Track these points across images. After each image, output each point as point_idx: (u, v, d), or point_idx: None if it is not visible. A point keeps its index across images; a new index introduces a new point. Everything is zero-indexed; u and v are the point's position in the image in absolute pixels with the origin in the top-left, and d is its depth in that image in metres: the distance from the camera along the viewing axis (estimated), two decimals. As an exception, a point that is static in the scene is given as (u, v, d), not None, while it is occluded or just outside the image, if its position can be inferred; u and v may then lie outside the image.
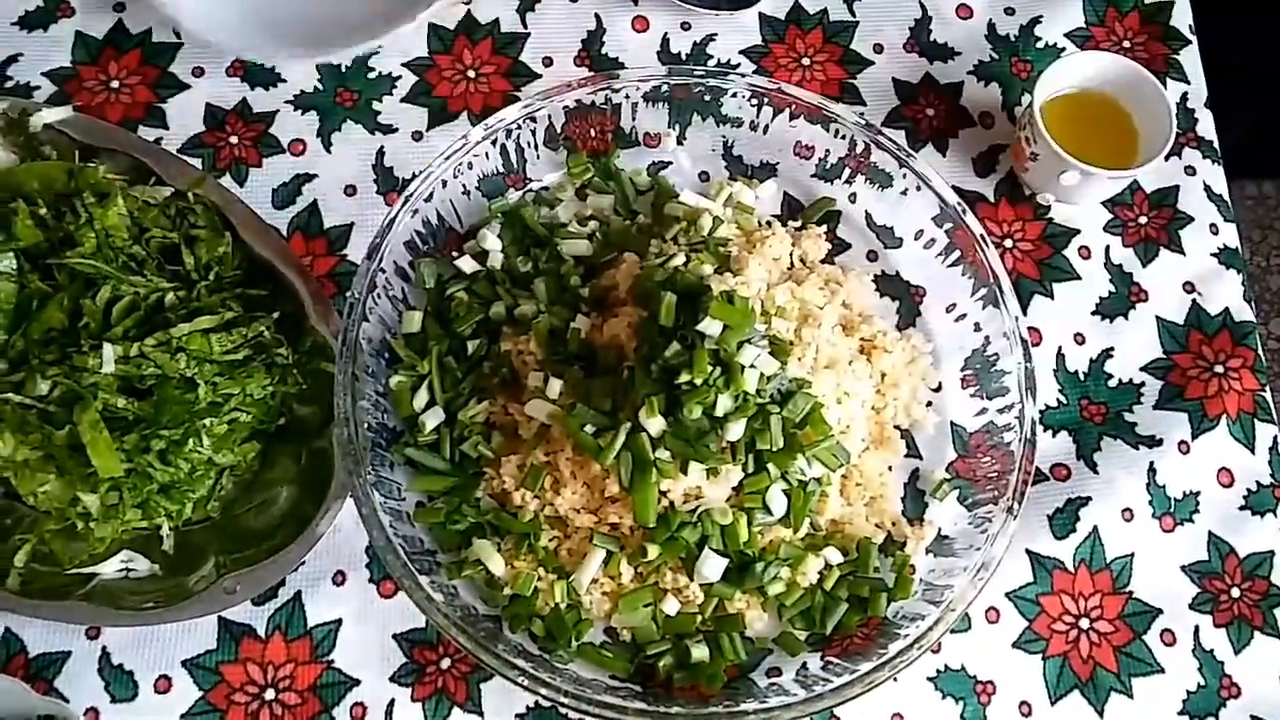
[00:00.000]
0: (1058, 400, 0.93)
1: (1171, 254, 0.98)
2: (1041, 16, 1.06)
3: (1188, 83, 1.05)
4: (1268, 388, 0.95)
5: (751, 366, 0.76)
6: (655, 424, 0.75)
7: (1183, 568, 0.89)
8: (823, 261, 0.92)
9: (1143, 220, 0.99)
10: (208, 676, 0.79)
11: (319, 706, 0.79)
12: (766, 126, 0.93)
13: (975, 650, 0.85)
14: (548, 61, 1.00)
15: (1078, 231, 0.98)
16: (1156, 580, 0.88)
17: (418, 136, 0.95)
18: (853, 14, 1.04)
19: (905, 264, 0.94)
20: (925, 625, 0.77)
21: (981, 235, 0.87)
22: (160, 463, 0.77)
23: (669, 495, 0.77)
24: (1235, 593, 0.89)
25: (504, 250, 0.90)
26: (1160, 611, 0.88)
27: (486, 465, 0.82)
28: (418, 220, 0.86)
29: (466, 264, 0.89)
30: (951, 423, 0.90)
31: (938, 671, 0.84)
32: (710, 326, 0.75)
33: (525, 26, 1.01)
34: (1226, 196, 1.02)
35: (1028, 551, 0.88)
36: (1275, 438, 0.93)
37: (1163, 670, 0.86)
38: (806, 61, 1.02)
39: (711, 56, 1.02)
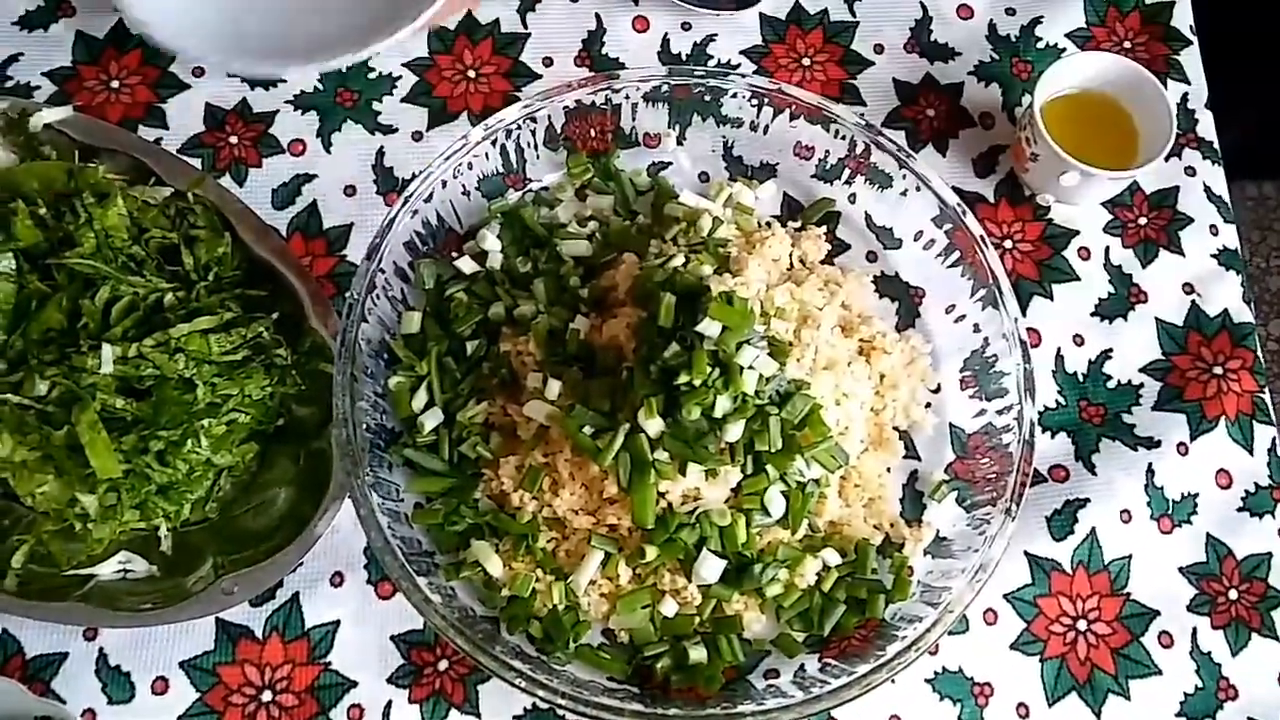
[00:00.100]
0: (1056, 401, 0.93)
1: (1171, 255, 0.98)
2: (1042, 17, 1.06)
3: (1188, 83, 1.05)
4: (1266, 389, 0.95)
5: (750, 367, 0.76)
6: (654, 425, 0.75)
7: (1181, 569, 0.89)
8: (822, 262, 0.92)
9: (1142, 221, 0.99)
10: (205, 678, 0.79)
11: (316, 708, 0.79)
12: (766, 127, 0.93)
13: (973, 652, 0.85)
14: (548, 62, 1.00)
15: (1077, 232, 0.98)
16: (1154, 582, 0.88)
17: (418, 137, 0.95)
18: (853, 14, 1.04)
19: (905, 265, 0.94)
20: (923, 627, 0.77)
21: (981, 236, 0.87)
22: (158, 463, 0.77)
23: (667, 496, 0.77)
24: (1233, 594, 0.89)
25: (503, 251, 0.90)
26: (1158, 613, 0.88)
27: (485, 466, 0.82)
28: (417, 221, 0.86)
29: (466, 264, 0.89)
30: (950, 424, 0.90)
31: (935, 673, 0.84)
32: (709, 327, 0.75)
33: (526, 27, 1.01)
34: (1226, 197, 1.02)
35: (1026, 553, 0.88)
36: (1274, 439, 0.93)
37: (1160, 672, 0.86)
38: (807, 62, 1.02)
39: (712, 57, 1.02)
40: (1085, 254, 0.98)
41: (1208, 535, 0.90)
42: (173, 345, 0.78)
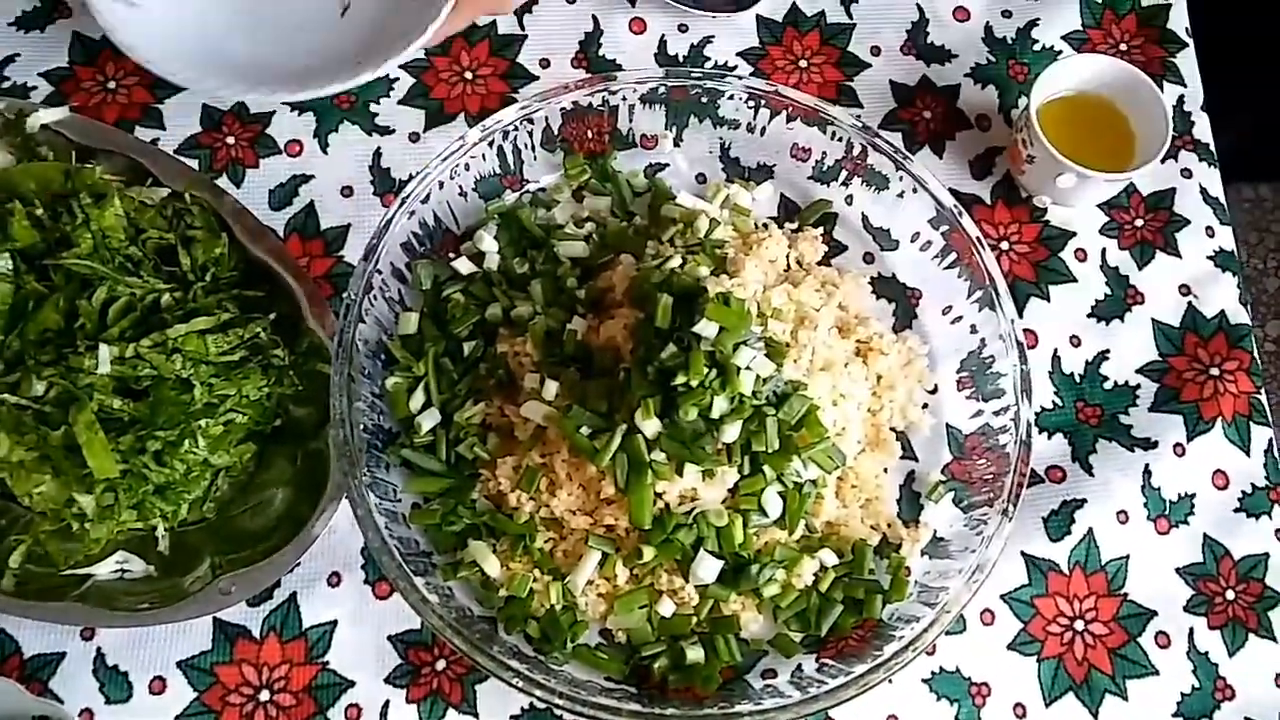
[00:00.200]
0: (1053, 402, 0.93)
1: (1167, 257, 0.99)
2: (1039, 19, 1.06)
3: (1184, 86, 1.05)
4: (1263, 390, 0.96)
5: (747, 368, 0.76)
6: (651, 426, 0.75)
7: (1177, 570, 0.89)
8: (819, 263, 0.92)
9: (1139, 223, 1.00)
10: (202, 677, 0.79)
11: (314, 708, 0.79)
12: (763, 128, 0.93)
13: (970, 652, 0.85)
14: (545, 63, 1.00)
15: (1074, 234, 0.98)
16: (1151, 582, 0.88)
17: (415, 138, 0.95)
18: (850, 16, 1.05)
19: (901, 266, 0.94)
20: (920, 627, 0.77)
21: (978, 238, 0.87)
22: (156, 464, 0.77)
23: (664, 497, 0.77)
24: (1230, 595, 0.89)
25: (501, 252, 0.90)
26: (1155, 614, 0.88)
27: (482, 467, 0.82)
28: (414, 222, 0.86)
29: (463, 265, 0.89)
30: (947, 425, 0.90)
31: (932, 673, 0.84)
32: (706, 328, 0.75)
33: (523, 28, 1.01)
34: (1223, 199, 1.02)
35: (1023, 553, 0.88)
36: (1270, 440, 0.94)
37: (1157, 672, 0.86)
38: (804, 64, 1.02)
39: (709, 58, 1.02)
40: (1082, 255, 0.98)
41: (1205, 536, 0.90)
42: (170, 346, 0.78)
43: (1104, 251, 0.98)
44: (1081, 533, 0.89)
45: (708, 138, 0.96)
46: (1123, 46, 1.06)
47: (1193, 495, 0.91)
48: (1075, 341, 0.95)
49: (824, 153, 0.93)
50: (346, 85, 0.89)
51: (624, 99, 0.91)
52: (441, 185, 0.86)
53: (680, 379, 0.74)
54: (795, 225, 0.94)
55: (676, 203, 0.91)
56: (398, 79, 0.97)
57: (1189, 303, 0.97)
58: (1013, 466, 0.81)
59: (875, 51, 1.03)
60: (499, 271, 0.89)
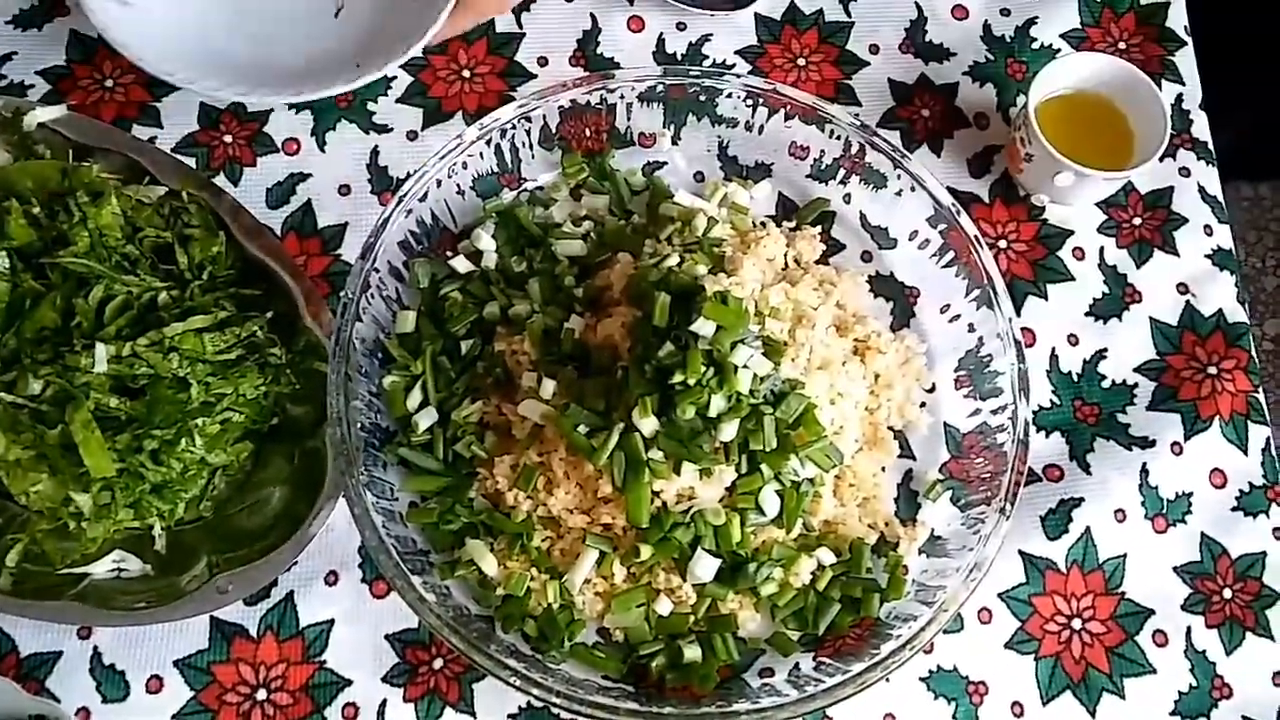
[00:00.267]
0: (1051, 401, 0.93)
1: (1165, 255, 0.98)
2: (1037, 18, 1.06)
3: (1183, 84, 1.05)
4: (1261, 389, 0.96)
5: (745, 367, 0.76)
6: (648, 424, 0.75)
7: (1175, 569, 0.89)
8: (817, 262, 0.92)
9: (1137, 221, 1.00)
10: (199, 676, 0.79)
11: (311, 707, 0.79)
12: (761, 127, 0.93)
13: (968, 651, 0.85)
14: (543, 61, 1.00)
15: (1072, 233, 0.98)
16: (1149, 581, 0.88)
17: (412, 136, 0.95)
18: (848, 14, 1.04)
19: (899, 265, 0.94)
20: (918, 626, 0.77)
21: (976, 236, 0.87)
22: (152, 462, 0.77)
23: (662, 495, 0.77)
24: (1227, 594, 0.89)
25: (498, 250, 0.90)
26: (1152, 612, 0.88)
27: (480, 465, 0.82)
28: (412, 220, 0.86)
29: (461, 264, 0.89)
30: (945, 423, 0.90)
31: (930, 672, 0.84)
32: (704, 327, 0.75)
33: (520, 26, 1.01)
34: (1221, 198, 1.02)
35: (1020, 552, 0.88)
36: (1268, 439, 0.94)
37: (1154, 671, 0.86)
38: (802, 62, 1.02)
39: (707, 57, 1.02)
40: (1080, 254, 0.98)
41: (1202, 535, 0.90)
42: (167, 344, 0.78)
43: (1102, 250, 0.98)
44: (1079, 531, 0.89)
45: (706, 136, 0.95)
46: (1121, 45, 1.06)
47: (1190, 494, 0.91)
48: (1073, 340, 0.95)
49: (822, 151, 0.93)
50: (345, 88, 0.89)
51: (622, 97, 0.91)
52: (439, 184, 0.86)
53: (678, 377, 0.74)
54: (793, 224, 0.94)
55: (674, 201, 0.91)
56: (395, 77, 0.97)
57: (1187, 301, 0.97)
58: (1010, 465, 0.81)
59: (873, 50, 1.03)
60: (497, 270, 0.89)
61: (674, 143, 0.96)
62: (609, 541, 0.79)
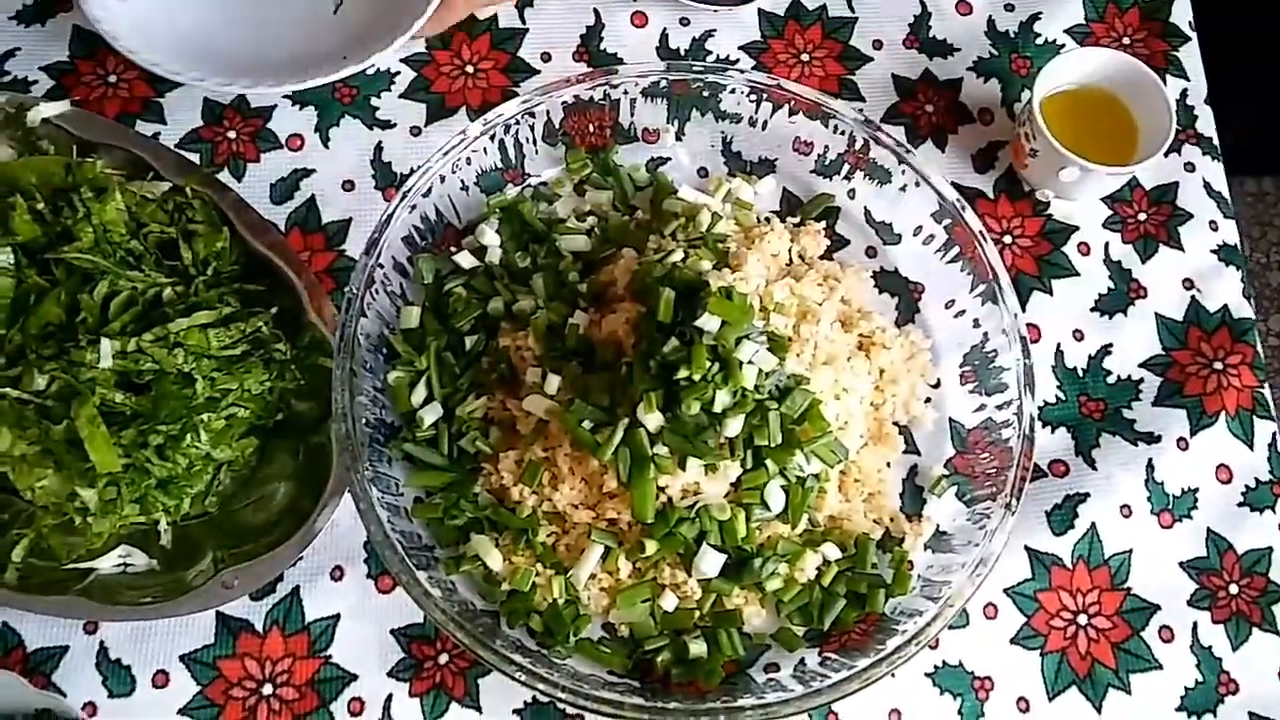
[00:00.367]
0: (1056, 396, 0.93)
1: (1171, 250, 0.98)
2: (1041, 12, 1.06)
3: (1187, 79, 1.05)
4: (1266, 384, 0.95)
5: (750, 362, 0.75)
6: (653, 420, 0.75)
7: (1181, 564, 0.89)
8: (821, 257, 0.92)
9: (1142, 217, 0.99)
10: (205, 671, 0.79)
11: (317, 701, 0.79)
12: (765, 122, 0.93)
13: (973, 646, 0.85)
14: (546, 57, 1.00)
15: (1077, 228, 0.98)
16: (1155, 576, 0.88)
17: (416, 132, 0.95)
18: (852, 10, 1.04)
19: (904, 260, 0.94)
20: (923, 621, 0.77)
21: (980, 231, 0.87)
22: (158, 458, 0.77)
23: (667, 491, 0.77)
24: (1233, 589, 0.89)
25: (502, 246, 0.90)
26: (1158, 608, 0.88)
27: (484, 461, 0.82)
28: (416, 216, 0.86)
29: (465, 259, 0.89)
30: (950, 419, 0.89)
31: (935, 667, 0.84)
32: (708, 322, 0.75)
33: (524, 22, 1.01)
34: (1226, 193, 1.02)
35: (1026, 548, 0.88)
36: (1274, 434, 0.93)
37: (1161, 666, 0.86)
38: (806, 57, 1.02)
39: (710, 52, 1.02)
40: (1085, 249, 0.97)
41: (1208, 530, 0.90)
42: (171, 340, 0.78)
43: (1107, 245, 0.98)
44: (1085, 527, 0.88)
45: (710, 132, 0.95)
46: (1126, 40, 1.06)
47: (1196, 489, 0.91)
48: (1078, 335, 0.95)
49: (826, 147, 0.92)
50: (330, 78, 0.89)
51: (625, 93, 0.91)
52: (443, 179, 0.86)
53: (682, 373, 0.74)
54: (797, 219, 0.94)
55: (678, 197, 0.91)
56: (399, 73, 0.97)
57: (1192, 297, 0.97)
58: (1016, 460, 0.81)
59: (877, 45, 1.03)
60: (501, 266, 0.89)
61: (678, 138, 0.96)
62: (614, 537, 0.79)
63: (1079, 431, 0.92)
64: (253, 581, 0.77)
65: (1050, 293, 0.96)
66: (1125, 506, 0.89)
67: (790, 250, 0.89)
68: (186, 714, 0.78)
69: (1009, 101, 1.02)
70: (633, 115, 0.93)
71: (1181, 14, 1.07)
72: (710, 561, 0.78)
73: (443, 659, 0.81)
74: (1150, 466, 0.91)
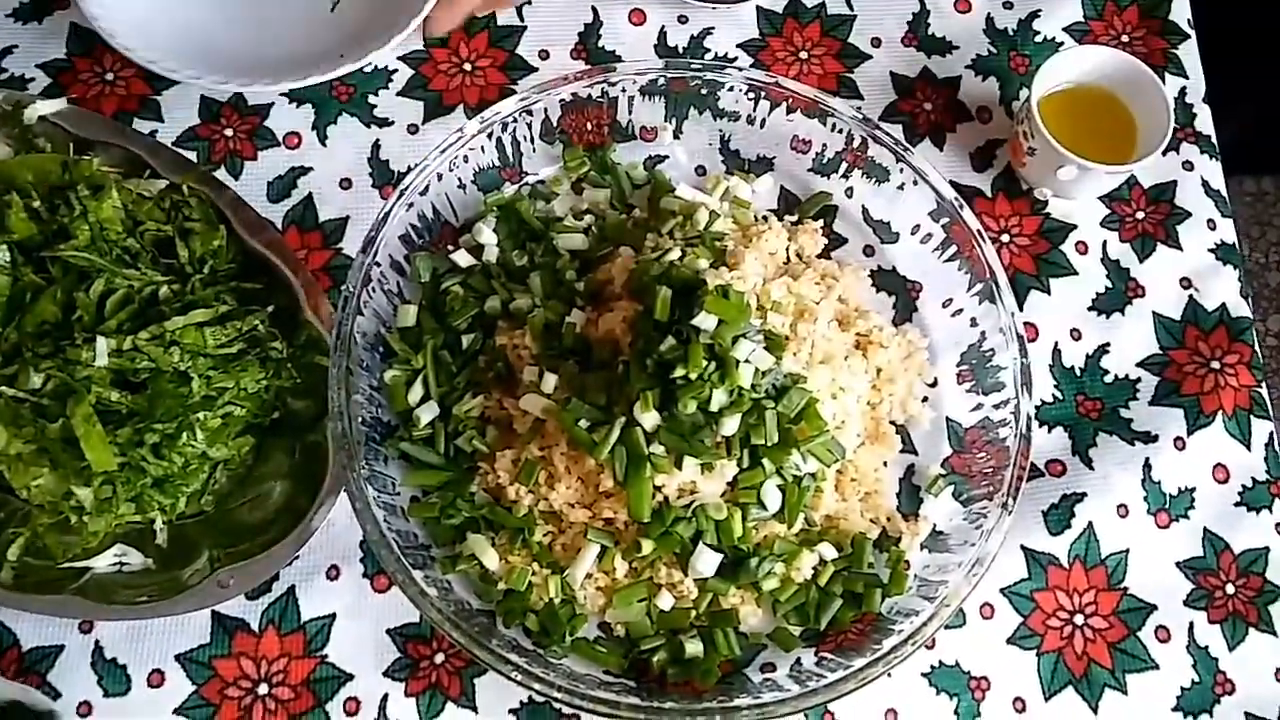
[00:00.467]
0: (1053, 396, 0.92)
1: (1169, 249, 0.98)
2: (1040, 11, 1.06)
3: (1186, 78, 1.05)
4: (1264, 384, 0.95)
5: (746, 361, 0.75)
6: (650, 419, 0.75)
7: (1178, 564, 0.89)
8: (819, 256, 0.92)
9: (1140, 215, 0.99)
10: (201, 671, 0.79)
11: (312, 701, 0.79)
12: (763, 120, 0.93)
13: (970, 646, 0.85)
14: (544, 55, 0.99)
15: (1075, 227, 0.98)
16: (1151, 576, 0.88)
17: (413, 130, 0.95)
18: (851, 8, 1.04)
19: (902, 259, 0.94)
20: (920, 621, 0.77)
21: (978, 230, 0.87)
22: (154, 456, 0.76)
23: (663, 490, 0.77)
24: (1230, 589, 0.89)
25: (499, 244, 0.89)
26: (1155, 608, 0.88)
27: (481, 460, 0.82)
28: (413, 214, 0.86)
29: (462, 258, 0.88)
30: (947, 418, 0.89)
31: (932, 667, 0.84)
32: (705, 321, 0.75)
33: (522, 19, 1.00)
34: (1224, 192, 1.01)
35: (1022, 547, 0.88)
36: (1271, 434, 0.93)
37: (1157, 666, 0.86)
38: (804, 55, 1.02)
39: (708, 50, 1.01)
40: (1083, 248, 0.97)
41: (1205, 530, 0.90)
42: (168, 338, 0.78)
43: (1105, 244, 0.98)
44: (1081, 527, 0.88)
45: (707, 130, 0.95)
46: (1124, 38, 1.06)
47: (1193, 489, 0.91)
48: (1076, 335, 0.95)
49: (824, 145, 0.92)
50: (327, 76, 0.89)
51: (623, 91, 0.90)
52: (440, 177, 0.86)
53: (679, 372, 0.74)
54: (795, 218, 0.94)
55: (676, 195, 0.91)
56: (396, 70, 0.97)
57: (1190, 296, 0.97)
58: (1013, 460, 0.81)
59: (876, 43, 1.03)
60: (498, 264, 0.88)
61: (675, 136, 0.96)
62: (610, 536, 0.79)
63: (1076, 431, 0.92)
64: (248, 580, 0.77)
65: (1048, 292, 0.96)
66: (1122, 506, 0.89)
67: (788, 249, 0.89)
68: (182, 713, 0.78)
69: (1007, 100, 1.02)
70: (630, 113, 0.93)
71: (1180, 12, 1.07)
72: (706, 561, 0.78)
73: (439, 658, 0.81)
74: (1147, 466, 0.91)
